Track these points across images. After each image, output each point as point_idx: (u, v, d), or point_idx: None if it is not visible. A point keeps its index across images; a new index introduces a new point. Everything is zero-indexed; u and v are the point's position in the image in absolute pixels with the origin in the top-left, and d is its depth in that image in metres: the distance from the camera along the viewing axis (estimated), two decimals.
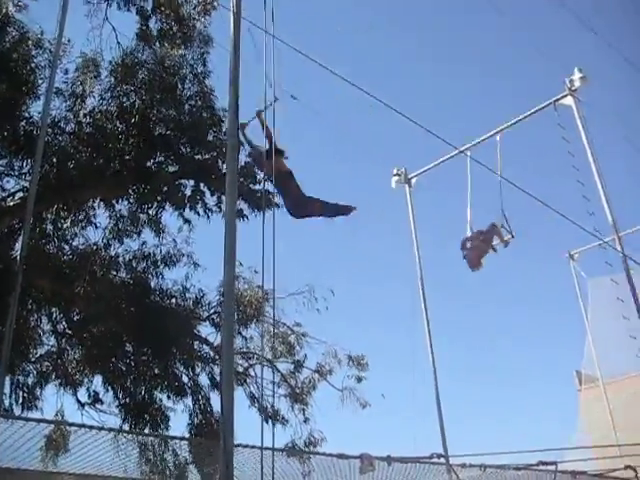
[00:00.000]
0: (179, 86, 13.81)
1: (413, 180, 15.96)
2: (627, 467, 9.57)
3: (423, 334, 14.78)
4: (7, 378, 12.20)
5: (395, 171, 15.98)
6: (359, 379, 15.63)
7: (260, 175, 13.17)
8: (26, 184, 12.60)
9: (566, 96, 13.98)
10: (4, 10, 12.28)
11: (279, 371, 15.05)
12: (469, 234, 13.40)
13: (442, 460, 7.60)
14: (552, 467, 8.33)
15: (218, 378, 14.09)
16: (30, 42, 12.64)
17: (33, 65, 12.55)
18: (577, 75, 13.97)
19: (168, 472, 10.82)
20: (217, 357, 14.28)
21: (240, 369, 14.64)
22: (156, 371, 13.83)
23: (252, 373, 14.67)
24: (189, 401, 13.86)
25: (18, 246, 12.31)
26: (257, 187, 13.53)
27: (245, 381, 14.48)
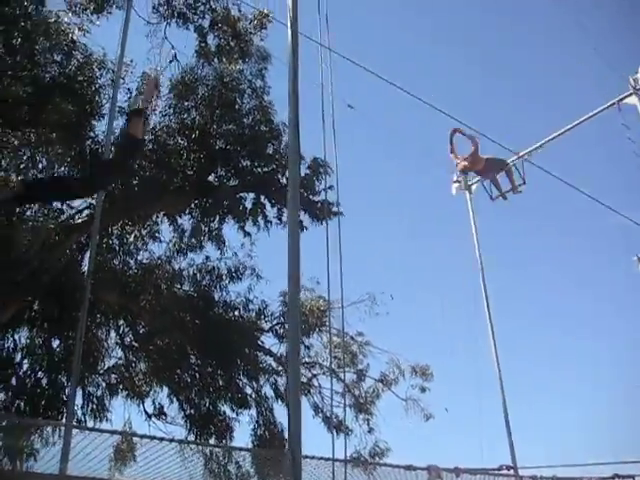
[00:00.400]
0: (238, 101, 14.03)
1: (473, 186, 15.78)
2: None
3: (488, 343, 14.58)
4: (78, 390, 12.55)
5: (455, 178, 15.85)
6: (423, 389, 15.52)
7: (320, 186, 13.30)
8: (92, 201, 12.96)
9: (630, 95, 13.65)
10: (70, 36, 12.69)
11: (342, 381, 15.04)
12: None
13: (511, 472, 7.44)
14: None
15: (282, 389, 14.17)
16: (94, 64, 13.03)
17: (97, 86, 12.92)
18: None
19: None
20: (280, 368, 14.36)
21: (304, 379, 14.69)
22: (220, 382, 13.98)
23: (315, 383, 14.71)
24: (253, 412, 13.97)
25: (86, 261, 12.68)
26: (317, 198, 13.62)
27: (309, 391, 14.52)
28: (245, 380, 14.17)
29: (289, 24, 7.33)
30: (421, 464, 7.34)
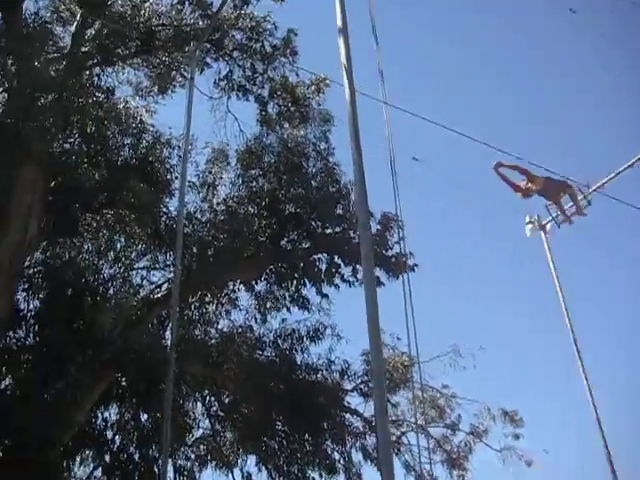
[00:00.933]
0: (304, 164, 14.27)
1: (548, 226, 15.51)
2: None
3: (581, 385, 14.06)
4: (169, 463, 12.64)
5: (528, 219, 15.63)
6: (517, 436, 15.01)
7: (392, 240, 13.27)
8: (170, 275, 13.29)
9: None
10: (138, 118, 13.26)
11: (432, 437, 14.68)
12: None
13: None
14: None
15: (371, 450, 13.90)
16: (163, 143, 13.55)
17: (167, 165, 13.41)
18: None
19: None
20: (368, 428, 14.13)
21: (393, 437, 14.40)
22: (308, 448, 13.83)
23: (405, 441, 14.39)
24: (342, 478, 13.71)
25: (168, 334, 12.93)
26: (390, 253, 13.58)
27: (399, 450, 14.21)
28: (332, 444, 13.96)
29: (346, 84, 7.43)
30: None
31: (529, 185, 13.23)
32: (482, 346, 15.34)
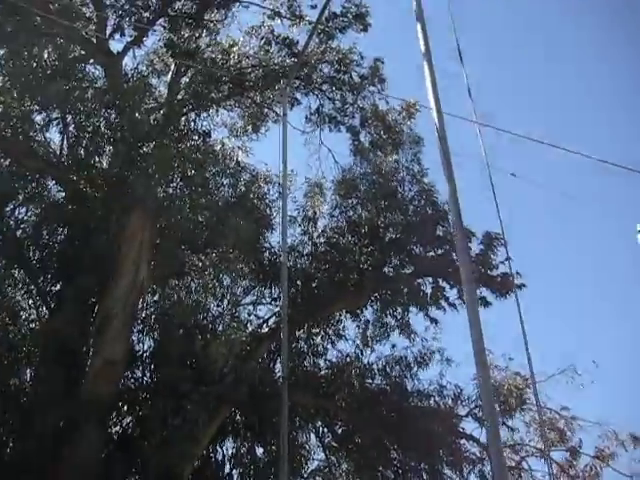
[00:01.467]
0: (399, 189, 14.26)
1: None
2: None
3: None
4: None
5: (639, 227, 14.97)
6: None
7: (497, 259, 12.98)
8: (277, 309, 13.49)
9: None
10: (235, 158, 13.67)
11: (554, 461, 14.09)
12: None
13: None
14: None
15: (489, 477, 13.49)
16: (261, 180, 13.89)
17: (267, 200, 13.71)
18: None
19: None
20: (485, 454, 13.73)
21: (512, 463, 13.94)
22: (424, 476, 13.56)
23: (525, 466, 13.87)
24: None
25: (278, 367, 13.09)
26: (495, 272, 13.26)
27: (520, 475, 13.71)
28: (449, 471, 13.63)
29: (433, 106, 7.42)
30: None
31: None
32: (595, 361, 14.65)
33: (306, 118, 14.99)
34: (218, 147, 13.80)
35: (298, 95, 14.78)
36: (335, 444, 14.66)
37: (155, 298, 13.60)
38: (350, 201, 14.24)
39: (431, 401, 13.96)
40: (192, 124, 13.54)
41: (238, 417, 13.19)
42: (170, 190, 12.58)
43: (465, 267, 6.94)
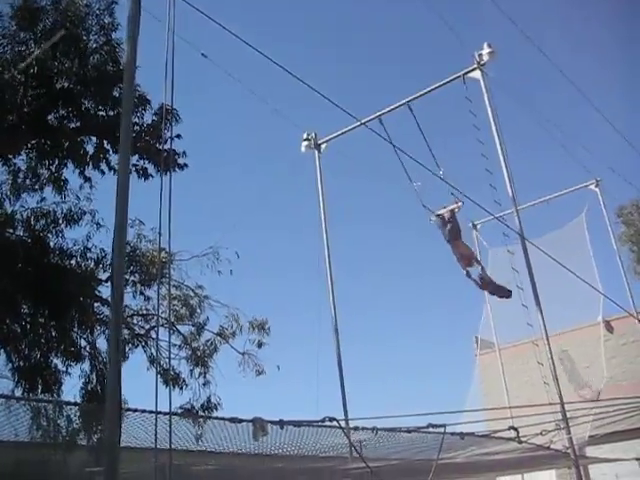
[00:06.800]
0: (84, 37, 13.21)
1: (323, 146, 16.05)
2: (510, 428, 10.24)
3: (327, 299, 15.06)
4: None
5: (305, 135, 16.09)
6: (260, 344, 15.69)
7: (167, 134, 12.87)
8: None
9: (474, 69, 14.28)
10: None
11: (180, 333, 14.93)
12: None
13: (334, 423, 7.70)
14: (441, 429, 8.63)
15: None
16: None
17: None
18: (486, 50, 14.31)
19: (60, 438, 10.57)
20: None
21: (142, 331, 14.43)
22: (53, 334, 13.39)
23: (153, 335, 14.44)
24: (86, 366, 13.49)
25: None
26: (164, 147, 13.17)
27: (146, 343, 14.26)
28: (79, 332, 13.63)
29: None
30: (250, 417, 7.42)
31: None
32: (237, 252, 15.67)
33: None
34: None
35: None
36: None
37: None
38: (25, 34, 12.81)
39: (73, 261, 13.69)
40: None
41: None
42: None
43: (125, 131, 6.76)
